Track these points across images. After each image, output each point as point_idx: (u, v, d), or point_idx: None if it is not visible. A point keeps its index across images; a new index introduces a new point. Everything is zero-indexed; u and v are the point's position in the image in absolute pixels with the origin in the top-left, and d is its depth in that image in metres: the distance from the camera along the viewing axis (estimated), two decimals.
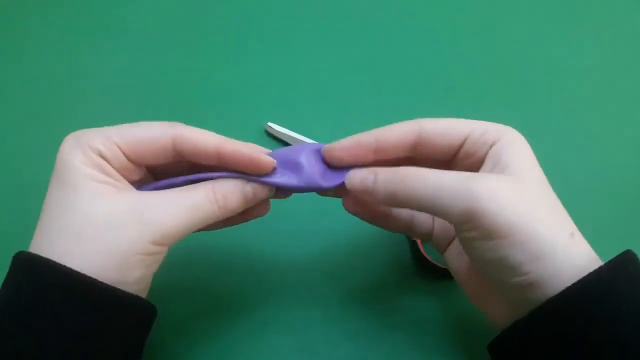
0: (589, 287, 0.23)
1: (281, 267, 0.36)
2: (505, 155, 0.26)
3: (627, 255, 0.24)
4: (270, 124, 0.43)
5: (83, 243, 0.23)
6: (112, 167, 0.25)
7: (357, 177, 0.27)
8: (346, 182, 0.28)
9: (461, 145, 0.27)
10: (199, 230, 0.26)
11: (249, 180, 0.27)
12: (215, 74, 0.47)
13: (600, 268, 0.23)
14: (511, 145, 0.26)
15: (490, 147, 0.27)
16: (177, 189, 0.26)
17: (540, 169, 0.27)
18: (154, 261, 0.25)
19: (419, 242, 0.36)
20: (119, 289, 0.24)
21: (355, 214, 0.30)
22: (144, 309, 0.26)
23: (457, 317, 0.34)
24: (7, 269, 0.24)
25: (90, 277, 0.23)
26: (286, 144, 0.42)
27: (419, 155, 0.28)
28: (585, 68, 0.48)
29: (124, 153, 0.26)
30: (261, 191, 0.27)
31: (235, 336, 0.33)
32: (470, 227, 0.24)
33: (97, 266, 0.23)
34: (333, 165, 0.29)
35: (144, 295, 0.26)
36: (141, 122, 0.27)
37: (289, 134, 0.42)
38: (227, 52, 0.48)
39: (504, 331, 0.26)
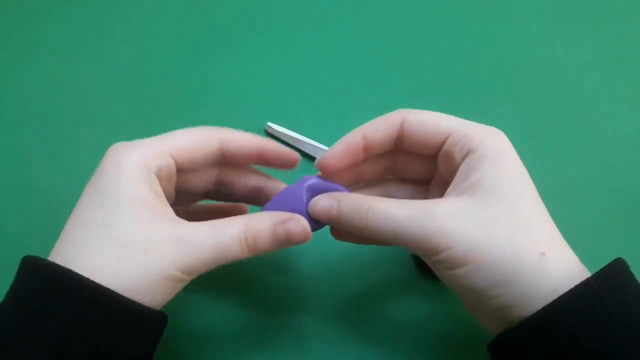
0: (567, 303, 0.22)
1: (280, 268, 0.36)
2: (476, 171, 0.25)
3: (616, 264, 0.24)
4: (269, 123, 0.43)
5: (118, 263, 0.23)
6: (160, 182, 0.26)
7: (319, 205, 0.27)
8: (308, 208, 0.27)
9: (442, 144, 0.27)
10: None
11: (283, 222, 0.26)
12: (214, 74, 0.47)
13: (583, 282, 0.23)
14: (485, 158, 0.25)
15: (467, 154, 0.26)
16: (214, 221, 0.25)
17: (522, 177, 0.26)
18: (174, 289, 0.25)
19: None
20: (135, 302, 0.23)
21: (344, 240, 0.31)
22: (156, 319, 0.26)
23: (457, 318, 0.34)
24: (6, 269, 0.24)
25: (106, 288, 0.22)
26: (286, 144, 0.42)
27: (404, 148, 0.29)
28: (585, 68, 0.48)
29: (175, 161, 0.26)
30: (296, 234, 0.26)
31: (234, 336, 0.33)
32: (433, 260, 0.25)
33: (127, 286, 0.23)
34: (327, 177, 0.28)
35: None
36: (186, 129, 0.28)
37: (289, 134, 0.42)
38: (227, 52, 0.48)
39: (496, 338, 0.26)
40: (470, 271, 0.24)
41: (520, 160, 0.26)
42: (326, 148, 0.41)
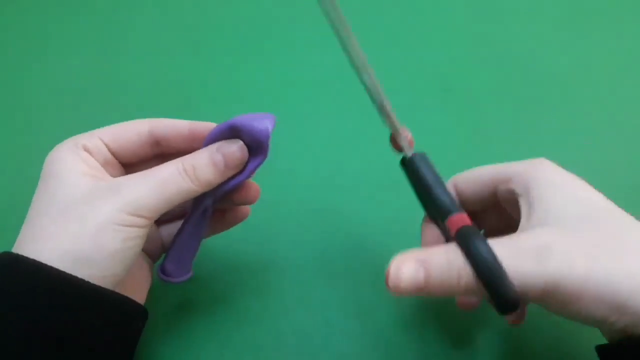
0: None
1: (282, 266, 0.36)
2: (540, 205, 0.24)
3: None
4: None
5: (60, 223, 0.23)
6: (96, 160, 0.26)
7: (405, 275, 0.22)
8: (390, 282, 0.22)
9: (494, 197, 0.27)
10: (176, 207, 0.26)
11: (217, 149, 0.26)
12: (219, 76, 0.47)
13: None
14: (543, 189, 0.24)
15: (520, 197, 0.25)
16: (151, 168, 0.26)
17: (588, 195, 0.24)
18: (130, 235, 0.24)
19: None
20: (106, 289, 0.24)
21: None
22: (132, 310, 0.26)
23: (462, 317, 0.34)
24: None
25: (76, 277, 0.22)
26: None
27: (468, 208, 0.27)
28: (585, 68, 0.48)
29: (107, 146, 0.27)
30: (232, 155, 0.26)
31: (233, 337, 0.33)
32: (545, 301, 0.23)
33: (72, 240, 0.23)
34: None
35: (131, 285, 0.26)
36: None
37: None
38: (231, 53, 0.48)
39: (615, 345, 0.24)
40: (587, 304, 0.21)
41: (581, 182, 0.25)
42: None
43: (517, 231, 0.24)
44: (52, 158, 0.26)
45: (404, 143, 0.26)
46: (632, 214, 0.36)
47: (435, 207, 0.25)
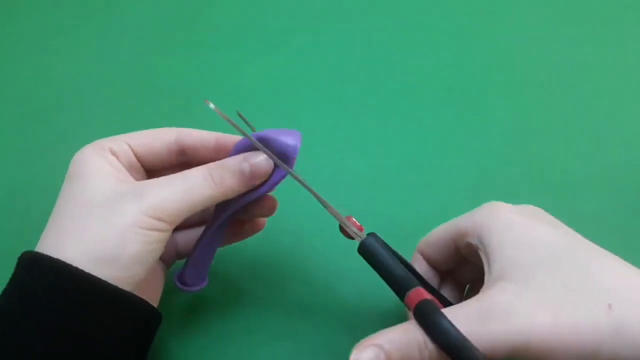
0: None
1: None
2: (497, 263, 0.23)
3: None
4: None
5: (84, 223, 0.24)
6: (121, 163, 0.26)
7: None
8: None
9: (460, 253, 0.27)
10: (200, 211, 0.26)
11: (245, 158, 0.27)
12: (218, 76, 0.47)
13: None
14: (497, 243, 0.24)
15: (479, 250, 0.25)
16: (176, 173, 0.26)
17: (539, 237, 0.23)
18: (152, 239, 0.24)
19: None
20: (126, 291, 0.24)
21: None
22: (148, 313, 0.26)
23: None
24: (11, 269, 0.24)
25: (98, 278, 0.23)
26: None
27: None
28: (585, 67, 0.48)
29: (133, 151, 0.27)
30: (259, 165, 0.27)
31: (233, 338, 0.33)
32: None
33: (94, 240, 0.23)
34: None
35: (146, 289, 0.26)
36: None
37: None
38: (231, 53, 0.48)
39: None
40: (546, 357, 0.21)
41: (536, 221, 0.24)
42: None
43: (482, 289, 0.24)
44: (79, 159, 0.26)
45: (352, 230, 0.27)
46: (631, 214, 0.35)
47: (394, 286, 0.25)
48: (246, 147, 0.27)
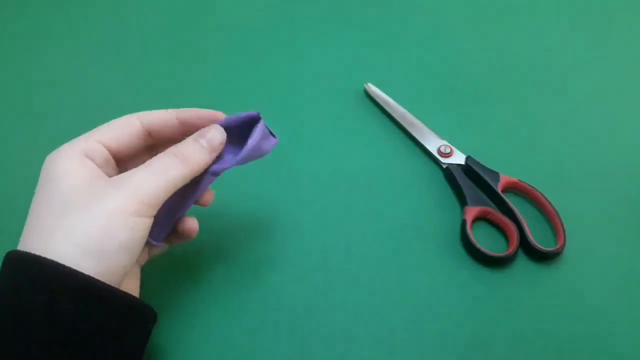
0: None
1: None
2: None
3: None
4: (370, 84, 0.45)
5: (66, 218, 0.24)
6: (96, 164, 0.27)
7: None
8: None
9: None
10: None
11: (199, 135, 0.28)
12: (217, 75, 0.47)
13: None
14: None
15: None
16: (145, 162, 0.27)
17: None
18: (137, 225, 0.25)
19: (468, 222, 0.36)
20: (118, 290, 0.24)
21: None
22: (144, 312, 0.26)
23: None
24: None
25: (92, 277, 0.23)
26: (379, 106, 0.45)
27: None
28: (585, 67, 0.48)
29: (107, 148, 0.28)
30: (214, 136, 0.28)
31: (233, 338, 0.33)
32: None
33: (80, 232, 0.23)
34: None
35: (134, 281, 0.27)
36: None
37: (384, 97, 0.45)
38: (229, 53, 0.48)
39: None
40: None
41: None
42: (414, 119, 0.43)
43: None
44: (52, 163, 0.26)
45: None
46: (631, 214, 0.35)
47: None
48: (231, 124, 0.29)
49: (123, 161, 0.29)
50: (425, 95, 0.46)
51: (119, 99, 0.45)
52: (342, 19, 0.52)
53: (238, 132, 0.30)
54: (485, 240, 0.37)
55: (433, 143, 0.42)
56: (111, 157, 0.28)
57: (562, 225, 0.37)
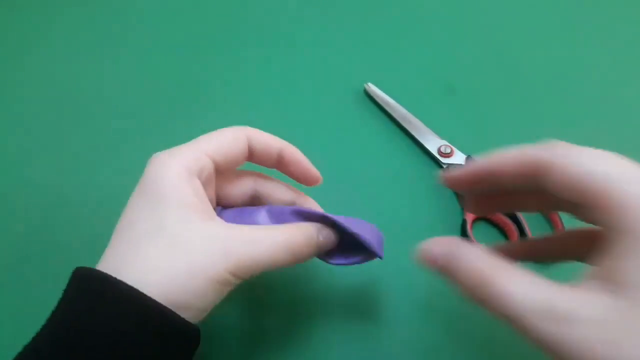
0: None
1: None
2: (627, 261, 0.18)
3: None
4: (370, 84, 0.45)
5: (165, 264, 0.23)
6: (202, 183, 0.26)
7: (435, 249, 0.23)
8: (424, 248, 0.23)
9: (592, 202, 0.20)
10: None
11: (319, 231, 0.27)
12: (217, 75, 0.47)
13: None
14: (632, 241, 0.18)
15: (620, 232, 0.19)
16: (262, 227, 0.26)
17: None
18: (223, 293, 0.24)
19: (469, 222, 0.36)
20: (192, 324, 0.24)
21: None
22: (195, 338, 0.25)
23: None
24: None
25: (157, 302, 0.22)
26: (379, 106, 0.45)
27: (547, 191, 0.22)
28: (585, 67, 0.48)
29: (214, 160, 0.27)
30: (328, 242, 0.27)
31: (234, 338, 0.33)
32: None
33: (175, 285, 0.23)
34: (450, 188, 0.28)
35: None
36: (213, 131, 0.28)
37: (384, 98, 0.44)
38: (229, 52, 0.48)
39: None
40: None
41: None
42: (414, 119, 0.43)
43: (589, 275, 0.19)
44: (161, 174, 0.25)
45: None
46: None
47: None
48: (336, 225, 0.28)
49: (221, 179, 0.29)
50: (425, 95, 0.46)
51: (118, 98, 0.45)
52: (343, 18, 0.52)
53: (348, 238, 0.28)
54: (486, 240, 0.37)
55: (433, 143, 0.42)
56: (213, 174, 0.27)
57: (563, 225, 0.37)
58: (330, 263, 0.28)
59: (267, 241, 0.25)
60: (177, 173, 0.25)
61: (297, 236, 0.26)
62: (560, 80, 0.47)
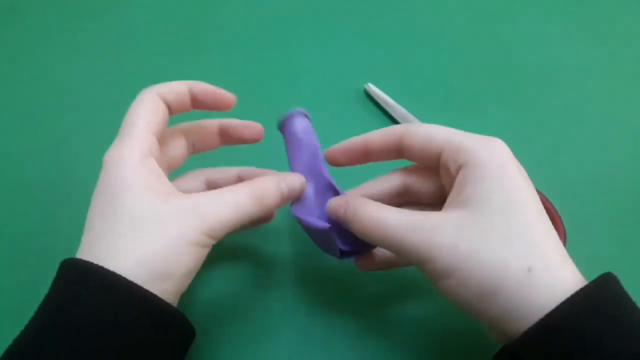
0: (557, 320, 0.22)
1: (282, 264, 0.36)
2: (470, 184, 0.25)
3: (605, 279, 0.23)
4: (370, 84, 0.45)
5: (135, 239, 0.24)
6: (155, 160, 0.27)
7: (332, 204, 0.29)
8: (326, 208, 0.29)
9: (439, 158, 0.27)
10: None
11: (282, 179, 0.28)
12: (217, 75, 0.47)
13: (567, 303, 0.22)
14: (478, 170, 0.25)
15: (460, 168, 0.26)
16: (223, 189, 0.27)
17: (518, 190, 0.25)
18: (201, 255, 0.25)
19: None
20: (179, 311, 0.24)
21: (369, 270, 0.32)
22: (187, 329, 0.26)
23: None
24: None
25: (146, 290, 0.23)
26: (378, 105, 0.45)
27: (409, 159, 0.30)
28: (585, 67, 0.48)
29: (156, 133, 0.28)
30: (294, 186, 0.29)
31: (234, 337, 0.33)
32: (421, 270, 0.26)
33: (150, 256, 0.23)
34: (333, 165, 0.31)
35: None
36: (132, 104, 0.30)
37: (383, 97, 0.44)
38: (228, 52, 0.48)
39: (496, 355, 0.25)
40: (454, 284, 0.24)
41: (520, 172, 0.26)
42: (414, 119, 0.44)
43: (444, 206, 0.26)
44: (113, 168, 0.25)
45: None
46: (632, 214, 0.35)
47: None
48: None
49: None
50: (425, 95, 0.46)
51: (118, 98, 0.45)
52: (342, 18, 0.52)
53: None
54: None
55: None
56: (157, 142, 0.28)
57: (563, 225, 0.37)
58: (299, 220, 0.30)
59: (231, 194, 0.26)
60: (129, 161, 0.26)
61: (260, 182, 0.27)
62: (560, 80, 0.47)
